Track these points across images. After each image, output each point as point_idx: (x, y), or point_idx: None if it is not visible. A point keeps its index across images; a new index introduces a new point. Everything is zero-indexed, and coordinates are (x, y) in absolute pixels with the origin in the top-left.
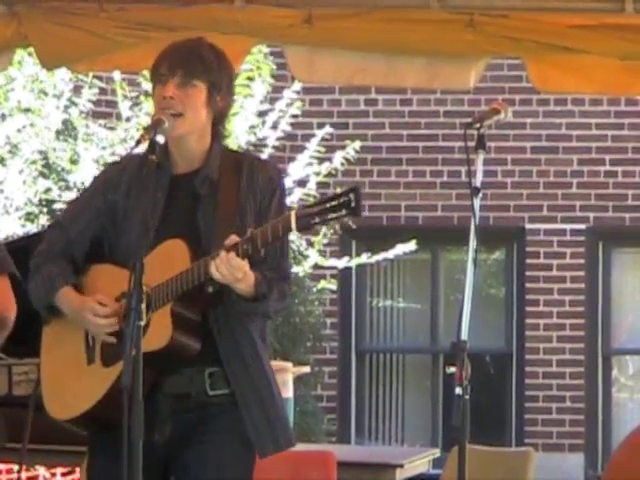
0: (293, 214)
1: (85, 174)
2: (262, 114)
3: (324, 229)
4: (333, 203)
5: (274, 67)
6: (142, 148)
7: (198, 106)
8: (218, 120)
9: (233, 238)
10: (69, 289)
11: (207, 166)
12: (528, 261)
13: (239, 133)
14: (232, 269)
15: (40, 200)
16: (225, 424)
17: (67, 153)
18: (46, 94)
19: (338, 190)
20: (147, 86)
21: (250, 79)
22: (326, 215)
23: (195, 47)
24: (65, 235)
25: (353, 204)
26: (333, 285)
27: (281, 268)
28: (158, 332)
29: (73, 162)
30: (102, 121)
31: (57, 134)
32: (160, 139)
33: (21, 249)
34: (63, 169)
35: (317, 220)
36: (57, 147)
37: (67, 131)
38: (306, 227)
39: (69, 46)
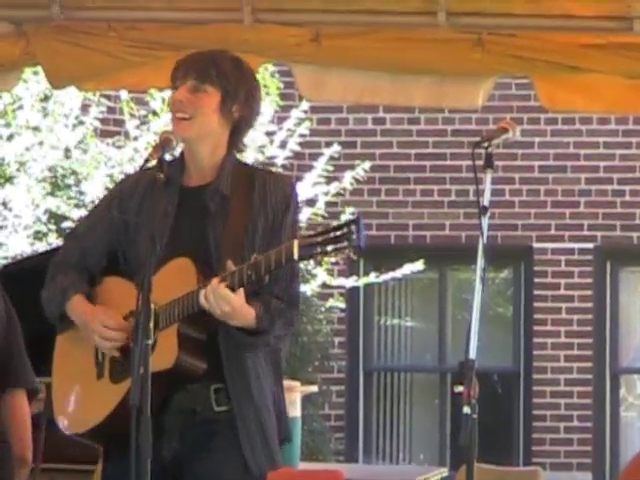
0: (296, 243)
1: (94, 192)
2: (270, 133)
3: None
4: (335, 234)
5: (282, 86)
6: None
7: (208, 112)
8: (235, 132)
9: (229, 266)
10: (80, 299)
11: (219, 180)
12: (536, 280)
13: (247, 152)
14: (218, 299)
15: (49, 218)
16: (230, 442)
17: (76, 170)
18: (57, 114)
19: (341, 220)
20: (155, 105)
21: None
22: (328, 245)
23: (214, 55)
24: (80, 245)
25: (354, 236)
26: (341, 303)
27: (291, 292)
28: (164, 353)
29: (82, 180)
30: (110, 140)
31: (66, 152)
32: (169, 158)
33: (33, 268)
34: (72, 186)
35: (319, 250)
36: (66, 165)
37: (77, 149)
38: (308, 257)
39: (77, 65)
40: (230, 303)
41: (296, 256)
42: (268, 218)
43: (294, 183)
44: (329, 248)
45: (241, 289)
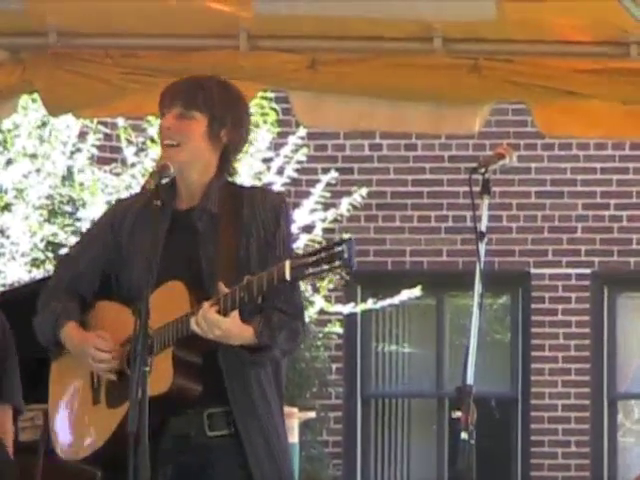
0: (288, 264)
1: (91, 218)
2: (267, 160)
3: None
4: (327, 254)
5: (280, 112)
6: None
7: (196, 137)
8: (224, 156)
9: (221, 289)
10: (73, 325)
11: (206, 199)
12: (533, 306)
13: (244, 179)
14: (209, 325)
15: (46, 245)
16: (225, 469)
17: (74, 198)
18: (54, 140)
19: (332, 241)
20: (152, 131)
21: (256, 125)
22: (320, 266)
23: (201, 80)
24: (73, 269)
25: (346, 255)
26: (339, 328)
27: (293, 304)
28: (159, 377)
29: (80, 207)
30: (107, 167)
31: (63, 179)
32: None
33: (30, 295)
34: (69, 214)
35: (311, 271)
36: (63, 192)
37: (72, 177)
38: (300, 277)
39: (75, 92)
40: (221, 327)
41: (288, 277)
42: (260, 233)
43: (283, 197)
44: (321, 268)
45: (235, 312)
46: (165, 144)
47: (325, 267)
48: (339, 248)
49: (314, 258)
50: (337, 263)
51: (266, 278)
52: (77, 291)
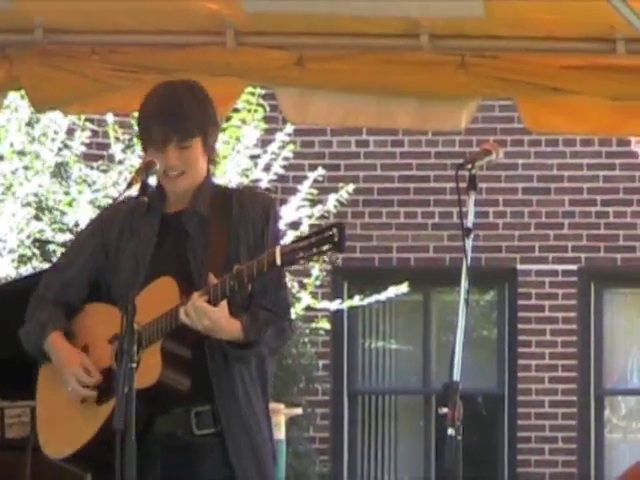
0: (278, 249)
1: (79, 216)
2: (254, 157)
3: (316, 271)
4: (317, 238)
5: (268, 109)
6: (135, 190)
7: (199, 160)
8: (212, 157)
9: (211, 279)
10: (58, 336)
11: (195, 202)
12: (520, 302)
13: (231, 176)
14: (198, 314)
15: (33, 242)
16: (212, 467)
17: (61, 195)
18: (43, 136)
19: (322, 225)
20: None
21: (243, 121)
22: (310, 250)
23: (181, 104)
24: (61, 278)
25: (336, 239)
26: (326, 324)
27: (279, 303)
28: (147, 370)
29: (67, 204)
30: (94, 163)
31: (51, 176)
32: (152, 181)
33: (17, 291)
34: (57, 210)
35: (301, 255)
36: (51, 189)
37: (60, 174)
38: (291, 262)
39: (61, 88)
40: (210, 317)
41: (279, 262)
42: (249, 233)
43: (272, 196)
44: (312, 251)
45: (224, 302)
46: (171, 175)
47: (315, 250)
48: (329, 232)
49: (305, 243)
50: (327, 246)
51: (256, 265)
52: (65, 299)
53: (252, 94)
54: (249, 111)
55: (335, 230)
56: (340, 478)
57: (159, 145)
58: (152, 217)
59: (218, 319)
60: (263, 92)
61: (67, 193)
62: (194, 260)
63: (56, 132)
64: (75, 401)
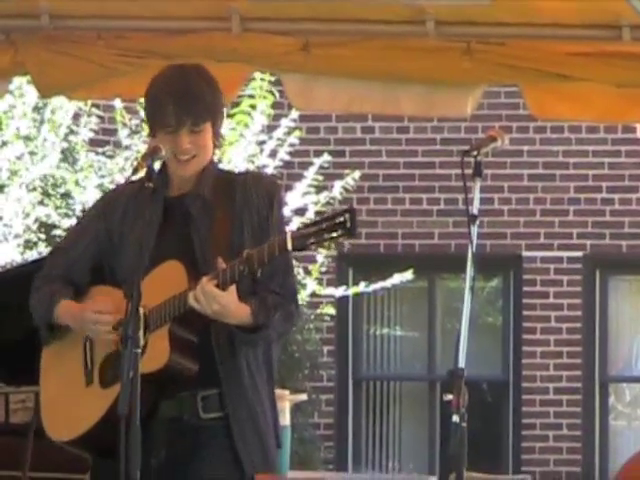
0: (289, 234)
1: (85, 200)
2: (260, 143)
3: (321, 257)
4: (329, 223)
5: (277, 95)
6: (140, 175)
7: (208, 144)
8: (218, 141)
9: (220, 264)
10: (69, 302)
11: (199, 186)
12: (525, 289)
13: (238, 162)
14: (208, 298)
15: (39, 227)
16: (217, 451)
17: (67, 180)
18: (49, 122)
19: (333, 210)
20: None
21: (253, 107)
22: (322, 235)
23: (191, 87)
24: (65, 258)
25: (348, 224)
26: (331, 310)
27: (287, 287)
28: (156, 354)
29: (74, 182)
30: (101, 149)
31: (60, 161)
32: (157, 166)
33: (22, 276)
34: (63, 194)
35: (313, 240)
36: (57, 174)
37: (67, 159)
38: (302, 247)
39: (66, 74)
40: (219, 302)
41: (290, 247)
42: (253, 218)
43: (276, 181)
44: (324, 236)
45: (233, 287)
46: (182, 159)
47: (327, 236)
48: (341, 218)
49: (316, 228)
50: (339, 232)
51: (267, 250)
52: (71, 278)
53: (263, 80)
54: (261, 96)
55: (347, 216)
56: (344, 464)
57: (171, 129)
58: (155, 201)
59: (227, 304)
60: (273, 79)
61: (73, 178)
62: (198, 242)
63: (63, 118)
64: (80, 384)
